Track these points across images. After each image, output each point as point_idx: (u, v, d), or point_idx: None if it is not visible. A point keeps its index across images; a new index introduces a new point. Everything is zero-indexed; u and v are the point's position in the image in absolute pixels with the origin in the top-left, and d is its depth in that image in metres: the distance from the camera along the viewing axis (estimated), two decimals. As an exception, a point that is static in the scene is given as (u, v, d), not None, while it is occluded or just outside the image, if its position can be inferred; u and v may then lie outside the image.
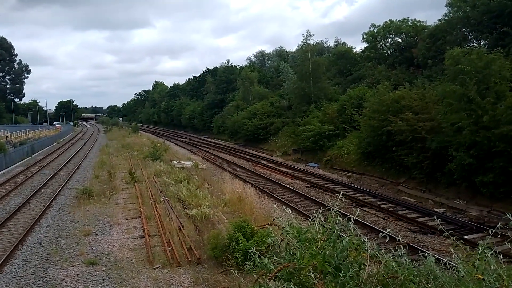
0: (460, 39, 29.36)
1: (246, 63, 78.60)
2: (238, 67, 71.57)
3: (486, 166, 16.34)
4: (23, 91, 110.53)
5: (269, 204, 17.31)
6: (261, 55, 79.81)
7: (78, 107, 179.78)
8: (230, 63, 75.08)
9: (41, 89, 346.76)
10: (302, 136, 32.66)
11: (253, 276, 4.05)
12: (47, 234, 12.82)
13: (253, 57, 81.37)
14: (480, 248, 3.52)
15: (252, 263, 4.31)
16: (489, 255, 3.45)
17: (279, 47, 78.45)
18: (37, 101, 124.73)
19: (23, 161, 33.31)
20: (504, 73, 17.89)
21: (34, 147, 41.40)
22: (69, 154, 37.84)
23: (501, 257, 3.54)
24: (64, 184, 21.36)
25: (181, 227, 12.44)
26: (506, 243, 3.90)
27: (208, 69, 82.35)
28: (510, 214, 3.96)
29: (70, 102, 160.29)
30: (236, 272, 4.99)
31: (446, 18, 32.79)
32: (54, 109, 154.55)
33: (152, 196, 16.75)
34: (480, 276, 3.34)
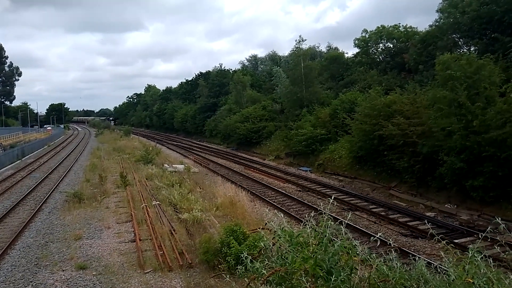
0: (451, 45, 29.65)
1: (239, 67, 78.81)
2: (231, 70, 71.72)
3: (476, 170, 16.49)
4: (14, 94, 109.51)
5: (261, 208, 17.29)
6: (254, 59, 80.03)
7: (70, 110, 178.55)
8: (223, 66, 75.40)
9: (33, 91, 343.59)
10: (294, 140, 32.74)
11: (245, 280, 4.04)
12: (37, 238, 12.68)
13: (246, 61, 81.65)
14: (470, 252, 3.55)
15: (244, 267, 4.30)
16: (479, 259, 3.48)
17: (272, 51, 78.93)
18: (28, 104, 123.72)
19: (13, 164, 32.99)
20: (494, 78, 18.09)
21: (25, 150, 41.01)
22: (60, 157, 37.51)
23: (491, 261, 3.57)
24: (55, 188, 21.16)
25: (173, 231, 12.37)
26: (496, 247, 3.94)
27: (201, 72, 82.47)
28: (499, 218, 4.00)
29: (61, 105, 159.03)
30: (228, 276, 4.98)
31: (437, 24, 33.12)
32: (45, 112, 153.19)
33: (143, 200, 16.65)
34: (470, 280, 3.36)
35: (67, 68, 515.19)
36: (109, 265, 10.17)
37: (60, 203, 17.58)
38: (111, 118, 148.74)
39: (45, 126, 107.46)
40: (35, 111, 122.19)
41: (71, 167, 29.50)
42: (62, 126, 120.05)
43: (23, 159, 36.78)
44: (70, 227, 13.72)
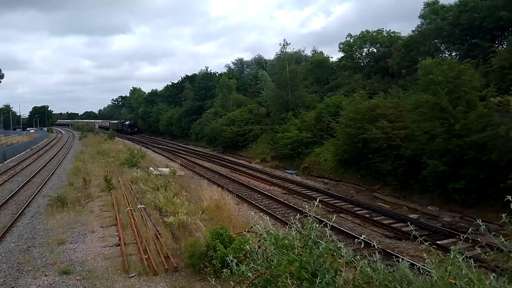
0: (433, 50, 30.23)
1: (225, 70, 78.84)
2: (217, 74, 71.62)
3: (458, 173, 16.80)
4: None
5: (247, 211, 17.30)
6: (240, 63, 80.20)
7: (53, 112, 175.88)
8: (209, 70, 75.29)
9: (15, 94, 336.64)
10: (280, 143, 32.88)
11: (231, 284, 4.05)
12: (19, 243, 12.45)
13: (232, 64, 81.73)
14: (452, 253, 3.61)
15: (229, 270, 4.31)
16: (460, 260, 3.55)
17: (257, 55, 79.38)
18: (10, 106, 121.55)
19: (-7, 167, 32.30)
20: (474, 83, 18.49)
21: (6, 153, 40.23)
22: (43, 161, 36.89)
23: (472, 262, 3.65)
24: (37, 192, 20.79)
25: (158, 235, 12.29)
26: (477, 248, 4.03)
27: (186, 75, 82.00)
28: (480, 220, 4.10)
29: (44, 108, 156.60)
30: (214, 279, 4.98)
31: (419, 29, 33.77)
32: (28, 115, 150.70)
33: (128, 204, 16.48)
34: (452, 281, 3.42)
35: (51, 71, 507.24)
36: (93, 270, 10.05)
37: (43, 207, 17.29)
38: (127, 122, 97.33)
39: (28, 129, 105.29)
40: (18, 114, 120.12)
41: (54, 171, 29.04)
42: (45, 129, 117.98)
43: (4, 162, 36.07)
44: (53, 231, 13.50)
